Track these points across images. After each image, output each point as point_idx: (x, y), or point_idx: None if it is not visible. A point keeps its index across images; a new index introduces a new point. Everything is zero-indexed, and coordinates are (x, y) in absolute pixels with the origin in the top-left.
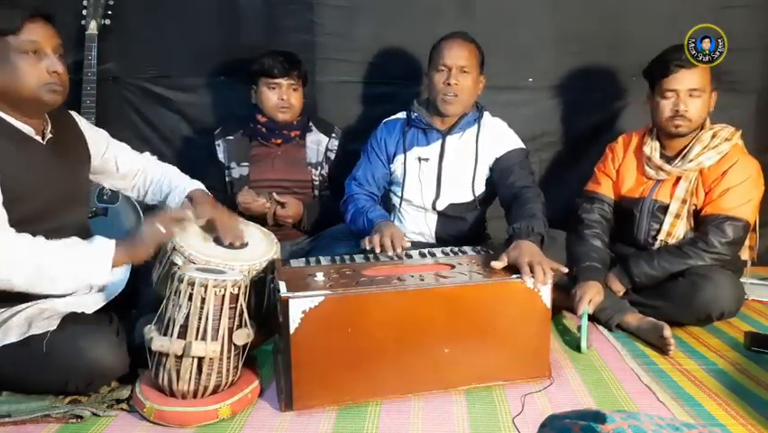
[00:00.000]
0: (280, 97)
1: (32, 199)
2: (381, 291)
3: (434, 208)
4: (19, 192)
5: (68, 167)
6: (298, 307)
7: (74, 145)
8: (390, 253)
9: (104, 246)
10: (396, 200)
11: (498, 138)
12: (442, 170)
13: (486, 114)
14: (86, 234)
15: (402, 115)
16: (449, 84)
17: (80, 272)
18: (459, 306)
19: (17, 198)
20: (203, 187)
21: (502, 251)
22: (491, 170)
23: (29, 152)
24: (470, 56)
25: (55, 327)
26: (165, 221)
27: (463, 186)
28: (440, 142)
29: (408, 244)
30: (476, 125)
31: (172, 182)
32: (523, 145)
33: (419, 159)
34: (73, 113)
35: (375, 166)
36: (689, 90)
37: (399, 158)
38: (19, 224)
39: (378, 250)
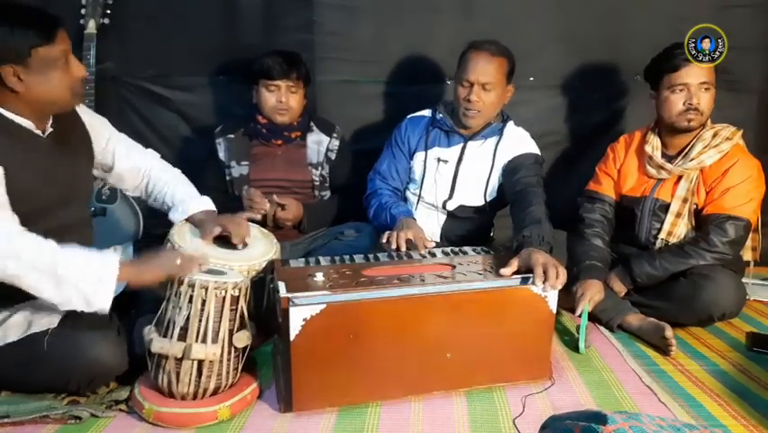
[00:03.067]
0: (278, 99)
1: (34, 196)
2: (384, 299)
3: (444, 208)
4: (21, 189)
5: (70, 162)
6: (299, 314)
7: (76, 139)
8: (404, 251)
9: (110, 262)
10: (412, 198)
11: (514, 145)
12: (458, 173)
13: (510, 123)
14: (88, 231)
15: (427, 112)
16: (469, 100)
17: (89, 280)
18: (464, 312)
19: (19, 195)
20: (209, 204)
21: (506, 253)
22: (503, 172)
23: (30, 148)
24: (496, 72)
25: (56, 325)
26: (186, 260)
27: (477, 190)
28: (461, 145)
29: (432, 245)
30: (498, 135)
31: (176, 196)
32: (537, 152)
33: (438, 159)
34: None
35: (399, 160)
36: (700, 84)
37: (420, 155)
38: (21, 221)
39: (403, 248)
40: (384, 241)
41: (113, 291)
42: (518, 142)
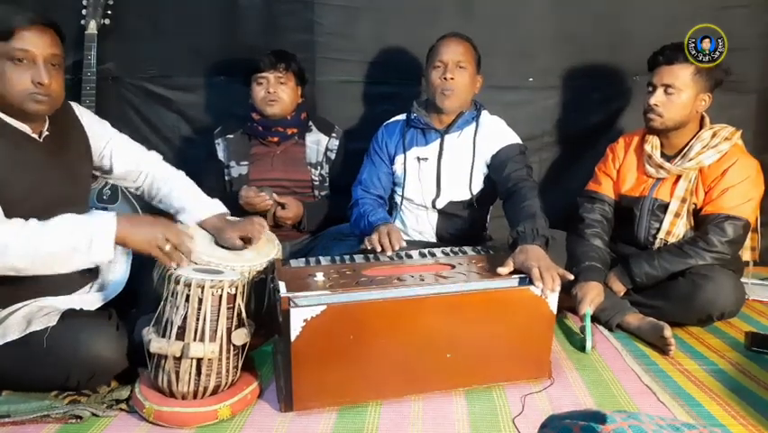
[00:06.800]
0: (267, 90)
1: (30, 199)
2: (384, 299)
3: (434, 207)
4: (16, 192)
5: (66, 165)
6: (300, 315)
7: (74, 142)
8: (389, 253)
9: (105, 219)
10: (398, 199)
11: (495, 135)
12: (441, 169)
13: (484, 112)
14: None
15: (402, 116)
16: (445, 78)
17: (81, 243)
18: (464, 312)
19: (14, 198)
20: (221, 207)
21: (505, 253)
22: (489, 166)
23: (25, 151)
24: (466, 52)
25: (55, 323)
26: (174, 232)
27: (462, 184)
28: (438, 141)
29: (404, 244)
30: (474, 124)
31: (185, 199)
32: (519, 141)
33: (418, 158)
34: (74, 104)
35: (379, 168)
36: (663, 86)
37: (399, 158)
38: None
39: (378, 249)
40: (368, 247)
41: (113, 238)
42: (498, 133)
